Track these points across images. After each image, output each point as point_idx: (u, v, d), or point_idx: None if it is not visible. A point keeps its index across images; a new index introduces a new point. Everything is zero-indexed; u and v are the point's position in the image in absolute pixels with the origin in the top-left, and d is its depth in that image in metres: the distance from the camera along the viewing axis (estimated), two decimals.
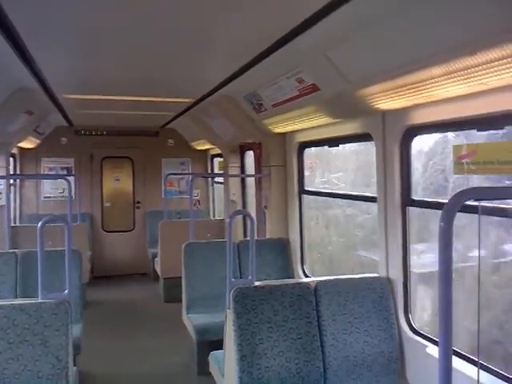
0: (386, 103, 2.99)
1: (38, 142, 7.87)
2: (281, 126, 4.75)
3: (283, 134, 5.14)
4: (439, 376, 1.43)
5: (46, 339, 2.74)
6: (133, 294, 7.69)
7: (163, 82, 4.53)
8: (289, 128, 4.76)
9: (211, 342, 4.17)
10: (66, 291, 2.94)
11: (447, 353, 1.41)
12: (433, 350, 2.96)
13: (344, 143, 4.38)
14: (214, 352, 3.77)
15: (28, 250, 4.36)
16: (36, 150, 8.18)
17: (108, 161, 9.01)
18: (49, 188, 8.52)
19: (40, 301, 2.86)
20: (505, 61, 1.93)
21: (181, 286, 4.82)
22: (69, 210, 5.89)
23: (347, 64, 2.94)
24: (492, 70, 2.03)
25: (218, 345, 3.57)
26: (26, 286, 4.19)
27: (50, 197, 8.54)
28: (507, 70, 2.01)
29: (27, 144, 7.54)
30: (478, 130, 2.62)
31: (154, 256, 7.82)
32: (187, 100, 5.54)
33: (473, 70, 2.10)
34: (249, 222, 3.41)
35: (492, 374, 2.54)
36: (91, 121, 7.89)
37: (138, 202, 9.15)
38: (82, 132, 8.67)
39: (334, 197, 4.89)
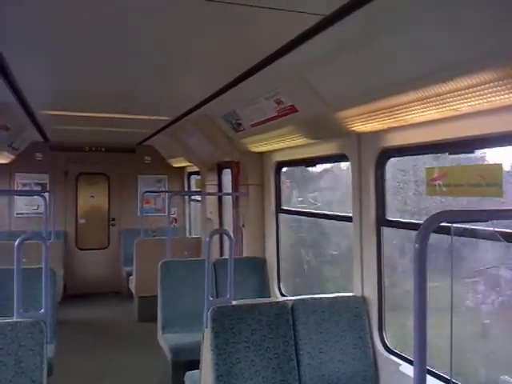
0: (361, 126, 3.07)
1: (13, 157, 7.73)
2: (259, 145, 4.81)
3: (261, 154, 5.20)
4: None
5: (21, 359, 2.67)
6: (106, 313, 7.54)
7: (142, 99, 4.54)
8: (267, 147, 4.82)
9: (186, 361, 4.12)
10: (43, 310, 2.88)
11: (422, 371, 1.44)
12: (406, 369, 3.00)
13: (320, 163, 4.46)
14: (190, 372, 3.73)
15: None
16: (10, 165, 8.04)
17: (83, 177, 8.91)
18: (22, 204, 8.36)
19: (15, 320, 2.79)
20: (474, 89, 2.02)
21: (155, 305, 4.76)
22: (44, 227, 5.79)
23: (325, 87, 3.02)
24: (462, 97, 2.13)
25: (194, 365, 3.53)
26: None
27: (23, 213, 8.37)
28: (477, 98, 2.10)
29: (1, 159, 7.40)
30: (449, 154, 2.71)
31: (129, 274, 7.71)
32: (166, 118, 5.56)
33: (444, 96, 2.19)
34: (227, 241, 3.41)
35: None
36: (67, 137, 7.80)
37: (113, 219, 9.04)
38: (58, 148, 8.57)
39: (310, 216, 4.94)
